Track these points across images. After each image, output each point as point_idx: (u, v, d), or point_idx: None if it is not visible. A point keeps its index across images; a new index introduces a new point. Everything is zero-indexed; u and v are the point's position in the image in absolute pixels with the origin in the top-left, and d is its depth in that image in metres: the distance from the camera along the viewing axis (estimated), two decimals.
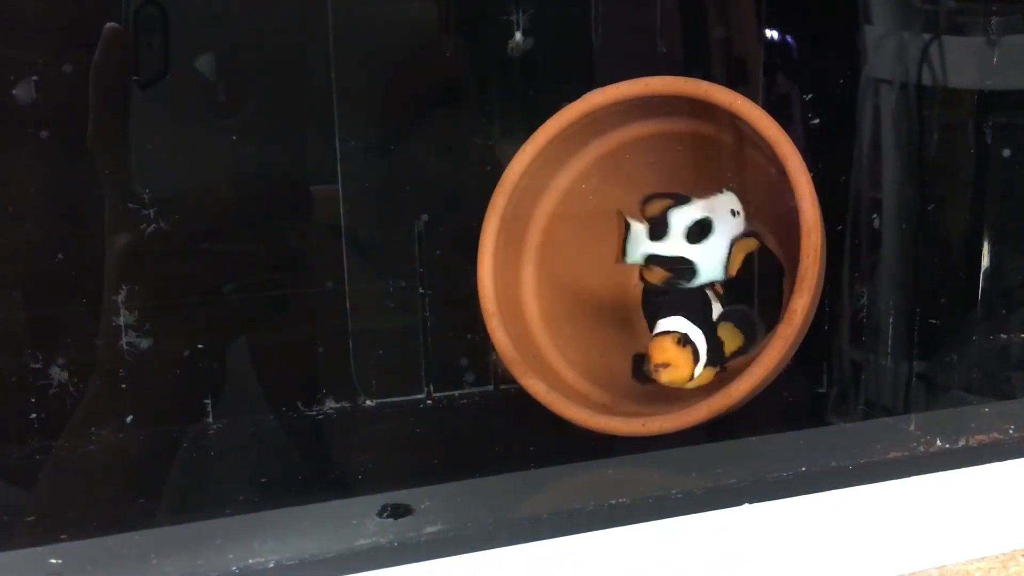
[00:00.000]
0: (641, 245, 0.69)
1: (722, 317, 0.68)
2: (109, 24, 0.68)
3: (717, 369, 0.68)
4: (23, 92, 0.69)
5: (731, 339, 0.68)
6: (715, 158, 0.77)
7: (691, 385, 0.67)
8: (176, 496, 0.68)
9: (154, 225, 0.72)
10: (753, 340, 0.68)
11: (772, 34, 0.86)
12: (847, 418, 0.79)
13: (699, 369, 0.66)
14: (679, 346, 0.64)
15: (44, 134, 0.70)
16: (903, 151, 0.80)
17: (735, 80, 0.85)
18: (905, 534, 0.59)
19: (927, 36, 0.78)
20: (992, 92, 0.78)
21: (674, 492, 0.57)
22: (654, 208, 0.69)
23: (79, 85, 0.68)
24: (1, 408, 0.72)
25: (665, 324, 0.66)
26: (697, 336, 0.65)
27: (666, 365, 0.64)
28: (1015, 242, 0.83)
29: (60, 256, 0.71)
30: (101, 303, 0.72)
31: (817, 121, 0.83)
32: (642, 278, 0.70)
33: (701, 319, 0.67)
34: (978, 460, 0.63)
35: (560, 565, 0.54)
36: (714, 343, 0.67)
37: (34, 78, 0.69)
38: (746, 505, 0.57)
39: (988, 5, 0.77)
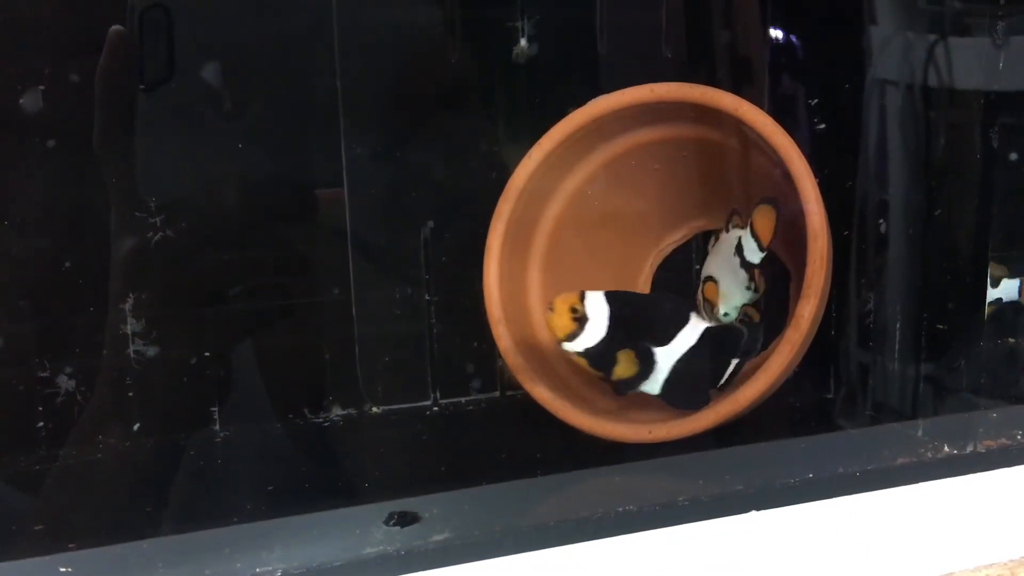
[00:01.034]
0: None
1: (632, 346, 0.68)
2: (114, 27, 0.68)
3: (600, 375, 0.69)
4: (30, 102, 0.69)
5: (625, 366, 0.68)
6: (721, 163, 0.77)
7: (567, 355, 0.68)
8: (183, 504, 0.68)
9: (160, 233, 0.72)
10: (644, 377, 0.69)
11: (777, 37, 0.85)
12: (855, 424, 0.79)
13: (569, 345, 0.67)
14: (570, 313, 0.66)
15: (51, 143, 0.70)
16: (909, 154, 0.80)
17: (741, 85, 0.85)
18: (913, 540, 0.59)
19: (933, 37, 0.78)
20: (999, 93, 0.78)
21: (681, 499, 0.57)
22: None
23: (86, 94, 0.68)
24: (9, 417, 0.72)
25: (593, 294, 0.67)
26: (596, 325, 0.66)
27: (551, 309, 0.67)
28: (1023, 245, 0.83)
29: (67, 264, 0.72)
30: (108, 311, 0.72)
31: (823, 126, 0.82)
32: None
33: (624, 325, 0.67)
34: (986, 466, 0.62)
35: (567, 573, 0.54)
36: (609, 351, 0.67)
37: (41, 88, 0.69)
38: (753, 512, 0.57)
39: (994, 6, 0.77)
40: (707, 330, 0.69)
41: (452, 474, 0.71)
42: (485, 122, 0.82)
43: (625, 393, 0.70)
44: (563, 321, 0.66)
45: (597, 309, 0.67)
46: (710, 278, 0.77)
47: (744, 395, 0.68)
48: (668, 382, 0.69)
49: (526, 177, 0.77)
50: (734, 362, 0.70)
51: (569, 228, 0.80)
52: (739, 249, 0.74)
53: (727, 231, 0.76)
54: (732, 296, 0.75)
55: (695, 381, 0.69)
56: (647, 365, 0.68)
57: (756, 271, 0.74)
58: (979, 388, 0.78)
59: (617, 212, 0.81)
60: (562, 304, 0.67)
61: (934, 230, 0.80)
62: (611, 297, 0.67)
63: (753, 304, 0.76)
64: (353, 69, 0.77)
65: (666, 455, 0.66)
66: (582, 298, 0.67)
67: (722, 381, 0.70)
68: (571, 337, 0.67)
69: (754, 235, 0.73)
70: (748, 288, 0.74)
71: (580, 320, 0.66)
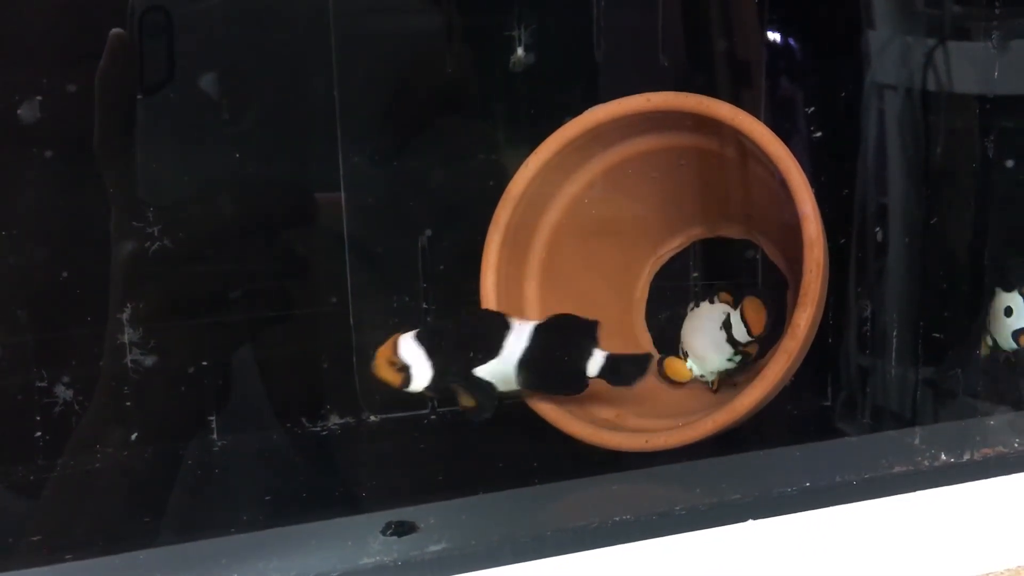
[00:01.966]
0: None
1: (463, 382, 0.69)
2: (114, 30, 0.68)
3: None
4: (27, 112, 0.69)
5: (465, 398, 0.69)
6: (718, 172, 0.78)
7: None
8: (181, 514, 0.68)
9: (158, 243, 0.72)
10: (492, 403, 0.70)
11: (774, 45, 0.86)
12: (852, 432, 0.79)
13: (409, 390, 0.68)
14: (391, 365, 0.67)
15: (48, 154, 0.70)
16: (906, 161, 0.80)
17: (737, 93, 0.85)
18: (910, 550, 0.59)
19: (930, 43, 0.78)
20: (997, 98, 0.78)
21: (678, 508, 0.57)
22: None
23: (84, 105, 0.69)
24: (6, 427, 0.72)
25: (405, 338, 0.67)
26: (420, 368, 0.67)
27: (375, 362, 0.67)
28: (1021, 251, 0.83)
29: (65, 274, 0.72)
30: (106, 320, 0.72)
31: (819, 134, 0.83)
32: None
33: (446, 357, 0.68)
34: (984, 474, 0.62)
35: None
36: (447, 385, 0.68)
37: (38, 98, 0.69)
38: (750, 521, 0.57)
39: (991, 10, 0.77)
40: (537, 326, 0.69)
41: (450, 483, 0.71)
42: (482, 130, 0.82)
43: (478, 421, 0.70)
44: (388, 374, 0.67)
45: (412, 353, 0.67)
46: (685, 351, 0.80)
47: (741, 403, 0.68)
48: (525, 381, 0.69)
49: (523, 185, 0.77)
50: (600, 352, 0.69)
51: (567, 236, 0.80)
52: (727, 326, 0.76)
53: (711, 302, 0.79)
54: (710, 363, 0.78)
55: (555, 368, 0.70)
56: (483, 393, 0.69)
57: (747, 346, 0.77)
58: (977, 395, 0.78)
59: (615, 220, 0.81)
60: (381, 358, 0.67)
61: (931, 237, 0.80)
62: (423, 336, 0.68)
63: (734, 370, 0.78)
64: (351, 77, 0.77)
65: (663, 464, 0.66)
66: (395, 347, 0.67)
67: (596, 372, 0.70)
68: (404, 384, 0.67)
69: (745, 322, 0.75)
70: (730, 360, 0.77)
71: (402, 368, 0.67)
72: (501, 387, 0.70)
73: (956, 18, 0.78)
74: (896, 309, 0.79)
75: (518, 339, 0.69)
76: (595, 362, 0.70)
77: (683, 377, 0.79)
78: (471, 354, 0.68)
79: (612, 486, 0.61)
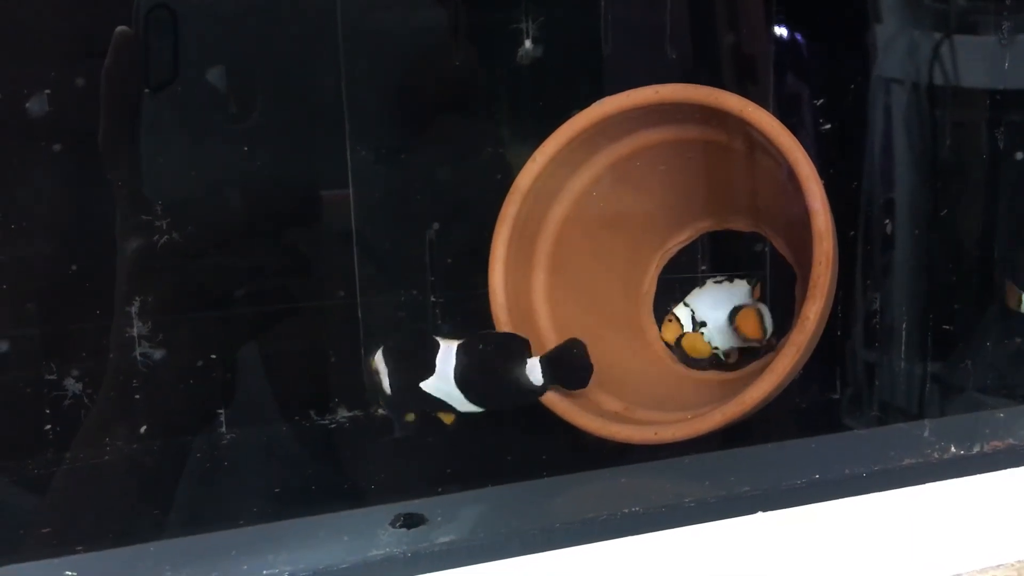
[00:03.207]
0: None
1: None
2: (119, 28, 0.68)
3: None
4: (36, 106, 0.69)
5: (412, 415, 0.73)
6: (727, 165, 0.77)
7: None
8: (190, 506, 0.68)
9: (167, 236, 0.72)
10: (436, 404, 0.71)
11: (782, 37, 0.85)
12: (861, 424, 0.79)
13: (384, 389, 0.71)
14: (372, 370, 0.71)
15: (57, 147, 0.70)
16: (915, 154, 0.80)
17: (745, 85, 0.85)
18: (919, 542, 0.59)
19: (938, 36, 0.77)
20: (1005, 92, 0.78)
21: (687, 501, 0.57)
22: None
23: (92, 98, 0.69)
24: (16, 420, 0.72)
25: (380, 348, 0.72)
26: (384, 380, 0.71)
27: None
28: None
29: (74, 268, 0.72)
30: (114, 314, 0.72)
31: (828, 126, 0.82)
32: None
33: (398, 382, 0.71)
34: (993, 466, 0.62)
35: (574, 575, 0.54)
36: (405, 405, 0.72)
37: (47, 92, 0.69)
38: (759, 513, 0.57)
39: (1000, 4, 0.76)
40: (460, 344, 0.70)
41: (458, 476, 0.71)
42: (490, 124, 0.82)
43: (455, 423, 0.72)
44: (369, 376, 0.72)
45: (380, 362, 0.71)
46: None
47: (750, 396, 0.68)
48: (474, 399, 0.70)
49: (531, 179, 0.77)
50: (533, 359, 0.70)
51: (574, 230, 0.80)
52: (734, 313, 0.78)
53: (731, 281, 0.80)
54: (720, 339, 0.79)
55: (492, 381, 0.70)
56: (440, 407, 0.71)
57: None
58: (986, 388, 0.77)
59: (622, 213, 0.81)
60: (371, 359, 0.72)
61: (940, 230, 0.80)
62: (384, 350, 0.71)
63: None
64: (358, 71, 0.77)
65: (672, 456, 0.66)
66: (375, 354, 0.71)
67: (541, 379, 0.69)
68: (381, 387, 0.71)
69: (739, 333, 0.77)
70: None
71: (375, 372, 0.71)
72: (460, 407, 0.70)
73: (964, 11, 0.78)
74: (905, 302, 0.79)
75: (447, 357, 0.69)
76: (533, 369, 0.69)
77: (704, 354, 0.79)
78: (411, 371, 0.70)
79: (620, 479, 0.61)
